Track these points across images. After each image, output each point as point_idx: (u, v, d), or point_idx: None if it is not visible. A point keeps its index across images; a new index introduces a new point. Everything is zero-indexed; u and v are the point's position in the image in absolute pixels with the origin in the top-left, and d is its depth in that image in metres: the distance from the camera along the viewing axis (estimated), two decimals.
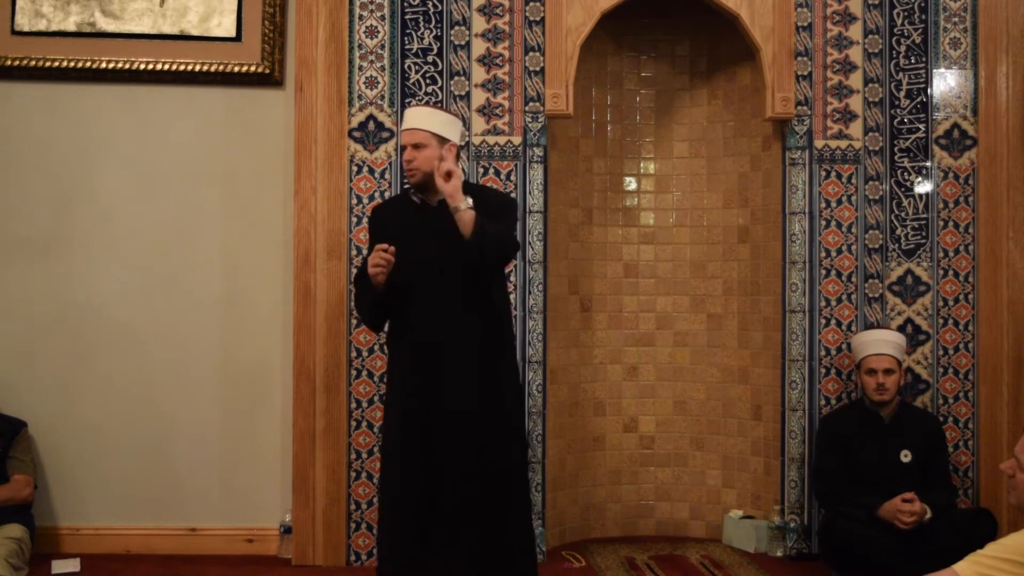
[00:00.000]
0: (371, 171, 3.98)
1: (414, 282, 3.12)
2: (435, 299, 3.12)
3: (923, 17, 4.12)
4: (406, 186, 3.34)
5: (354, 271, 3.73)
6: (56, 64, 4.06)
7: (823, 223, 4.11)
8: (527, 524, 3.23)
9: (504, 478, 3.14)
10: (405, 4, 3.99)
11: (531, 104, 4.02)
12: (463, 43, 4.01)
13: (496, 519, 3.10)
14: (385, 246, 3.04)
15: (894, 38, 4.12)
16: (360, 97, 3.99)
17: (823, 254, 4.11)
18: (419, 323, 3.14)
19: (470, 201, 3.02)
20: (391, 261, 3.04)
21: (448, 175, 3.01)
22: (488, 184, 3.97)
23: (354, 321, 3.92)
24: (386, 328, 3.34)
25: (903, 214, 4.13)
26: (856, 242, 4.12)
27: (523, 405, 3.33)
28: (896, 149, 4.13)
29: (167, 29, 4.11)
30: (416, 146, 3.17)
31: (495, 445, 3.12)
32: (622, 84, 4.56)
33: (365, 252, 3.47)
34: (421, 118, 3.24)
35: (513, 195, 3.97)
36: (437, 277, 3.11)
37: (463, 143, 3.76)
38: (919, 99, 4.13)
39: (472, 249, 3.01)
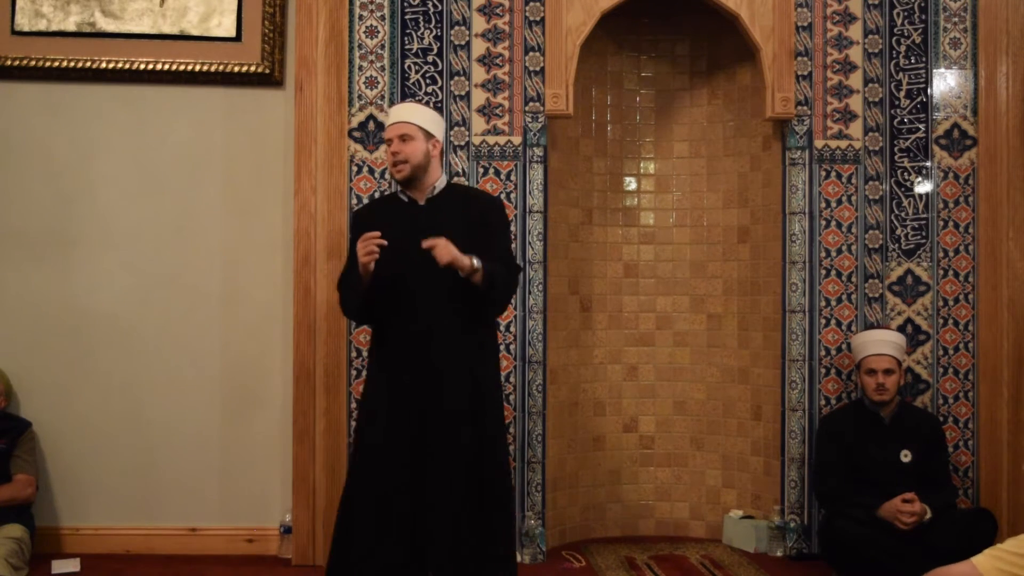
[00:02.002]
0: (371, 171, 3.98)
1: (409, 280, 3.10)
2: (430, 297, 3.12)
3: (923, 17, 4.12)
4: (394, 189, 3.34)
5: None
6: (56, 64, 4.06)
7: (823, 223, 4.11)
8: (509, 529, 3.23)
9: (489, 477, 3.13)
10: (405, 4, 3.99)
11: (531, 104, 4.02)
12: (463, 43, 4.01)
13: (478, 523, 3.09)
14: (375, 234, 3.00)
15: (894, 38, 4.12)
16: (360, 97, 3.99)
17: (823, 254, 4.10)
18: (413, 321, 3.13)
19: (476, 262, 3.04)
20: (383, 244, 3.00)
21: (432, 247, 2.98)
22: (486, 184, 3.98)
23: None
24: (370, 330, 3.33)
25: (903, 214, 4.13)
26: (856, 242, 4.12)
27: (502, 409, 3.33)
28: (896, 149, 4.13)
29: (167, 29, 4.11)
30: (403, 138, 3.15)
31: (482, 443, 3.13)
32: (622, 84, 4.56)
33: (345, 256, 3.42)
34: (407, 112, 3.24)
35: (512, 195, 3.98)
36: (430, 275, 3.08)
37: (462, 143, 3.77)
38: (919, 99, 4.13)
39: (487, 299, 3.13)
